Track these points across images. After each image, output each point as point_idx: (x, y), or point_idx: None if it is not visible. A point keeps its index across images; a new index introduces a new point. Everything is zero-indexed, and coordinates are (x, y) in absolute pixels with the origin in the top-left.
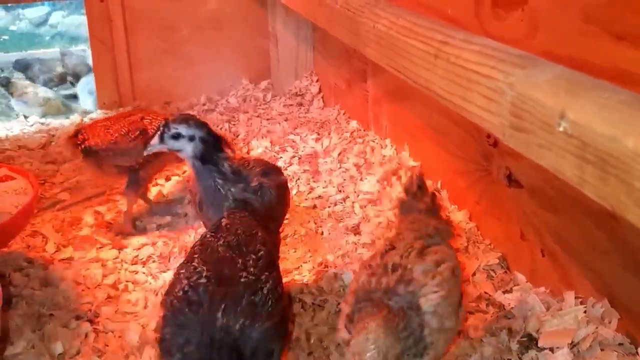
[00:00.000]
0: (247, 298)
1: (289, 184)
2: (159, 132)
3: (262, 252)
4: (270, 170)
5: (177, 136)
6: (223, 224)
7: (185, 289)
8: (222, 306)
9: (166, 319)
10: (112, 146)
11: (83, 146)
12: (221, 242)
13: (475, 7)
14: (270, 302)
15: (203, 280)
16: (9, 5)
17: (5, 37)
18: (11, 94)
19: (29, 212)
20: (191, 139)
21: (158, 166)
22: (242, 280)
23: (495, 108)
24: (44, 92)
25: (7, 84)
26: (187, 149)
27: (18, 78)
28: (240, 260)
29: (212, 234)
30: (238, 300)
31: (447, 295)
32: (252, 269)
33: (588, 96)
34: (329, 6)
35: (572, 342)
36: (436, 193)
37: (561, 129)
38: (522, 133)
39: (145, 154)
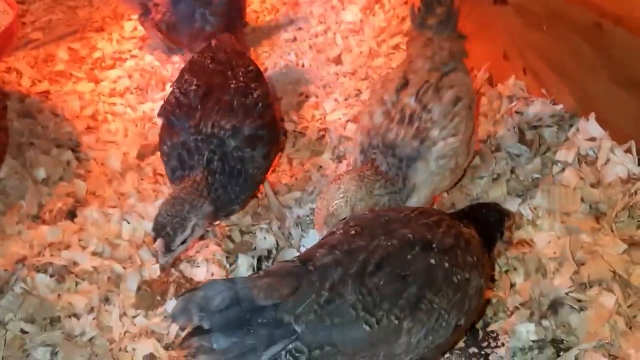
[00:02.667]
0: (238, 100)
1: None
2: None
3: (251, 67)
4: None
5: None
6: (212, 44)
7: (177, 95)
8: (215, 108)
9: (162, 125)
10: None
11: None
12: (209, 60)
13: None
14: (260, 105)
15: (193, 87)
16: None
17: None
18: None
19: (13, 30)
20: None
21: None
22: (232, 86)
23: None
24: None
25: None
26: None
27: None
28: (230, 72)
29: (199, 54)
30: (230, 102)
31: (463, 136)
32: (241, 78)
33: None
34: None
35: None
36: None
37: None
38: None
39: None
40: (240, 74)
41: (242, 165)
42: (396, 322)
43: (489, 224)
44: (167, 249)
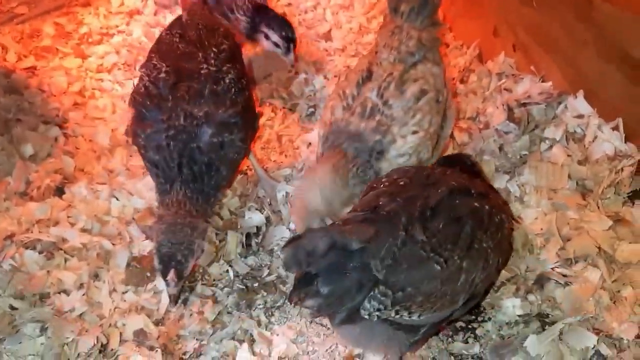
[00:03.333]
0: (209, 87)
1: None
2: None
3: (224, 46)
4: None
5: None
6: (183, 19)
7: (146, 83)
8: (186, 97)
9: (132, 115)
10: None
11: None
12: (178, 39)
13: None
14: (233, 90)
15: (162, 75)
16: None
17: None
18: None
19: None
20: None
21: None
22: (203, 72)
23: None
24: None
25: None
26: None
27: None
28: (201, 54)
29: (167, 31)
30: (201, 90)
31: (426, 132)
32: (213, 61)
33: None
34: None
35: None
36: None
37: None
38: None
39: None
40: (212, 55)
41: (217, 154)
42: (458, 261)
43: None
44: (180, 278)
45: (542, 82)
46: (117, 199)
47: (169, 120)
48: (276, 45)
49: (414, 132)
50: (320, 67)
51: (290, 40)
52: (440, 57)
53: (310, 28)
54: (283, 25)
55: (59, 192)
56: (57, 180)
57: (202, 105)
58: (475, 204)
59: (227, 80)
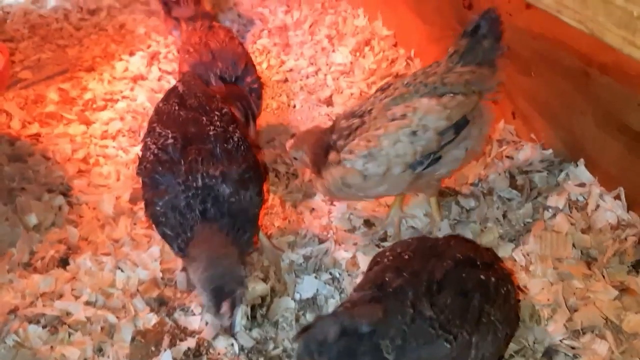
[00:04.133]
0: (220, 147)
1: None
2: None
3: (225, 110)
4: None
5: None
6: (180, 89)
7: (154, 151)
8: (199, 159)
9: (144, 185)
10: None
11: None
12: (176, 107)
13: None
14: (242, 147)
15: (170, 141)
16: None
17: None
18: None
19: (6, 75)
20: None
21: None
22: (212, 133)
23: None
24: None
25: None
26: None
27: None
28: (205, 118)
29: (164, 102)
30: (212, 150)
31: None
32: (218, 123)
33: None
34: None
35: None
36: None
37: None
38: None
39: None
40: (216, 118)
41: (241, 207)
42: (468, 337)
43: None
44: (233, 307)
45: (543, 149)
46: (122, 270)
47: (185, 182)
48: None
49: (368, 141)
50: None
51: None
52: (474, 98)
53: (311, 93)
54: None
55: (63, 263)
56: (61, 250)
57: (217, 165)
58: (482, 276)
59: (236, 139)
